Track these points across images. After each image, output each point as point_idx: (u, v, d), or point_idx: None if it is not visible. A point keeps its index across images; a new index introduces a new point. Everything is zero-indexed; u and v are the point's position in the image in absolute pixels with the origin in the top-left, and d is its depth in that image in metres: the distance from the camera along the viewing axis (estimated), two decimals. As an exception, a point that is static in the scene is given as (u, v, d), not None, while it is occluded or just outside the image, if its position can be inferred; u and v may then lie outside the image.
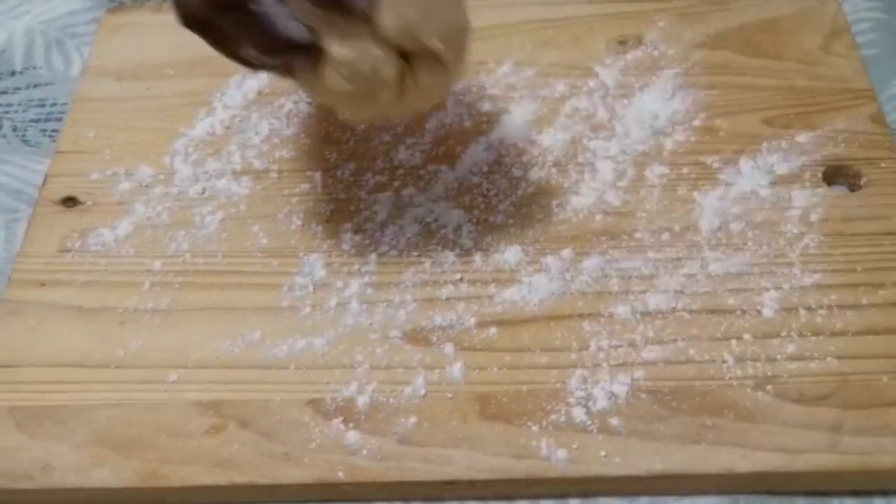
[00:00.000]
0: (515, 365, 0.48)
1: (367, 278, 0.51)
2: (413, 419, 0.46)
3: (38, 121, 0.61)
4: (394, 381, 0.47)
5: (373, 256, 0.52)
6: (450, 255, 0.52)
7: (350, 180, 0.55)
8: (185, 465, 0.45)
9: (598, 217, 0.53)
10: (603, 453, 0.45)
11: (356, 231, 0.53)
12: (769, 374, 0.47)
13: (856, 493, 0.45)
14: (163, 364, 0.48)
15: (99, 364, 0.48)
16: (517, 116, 0.58)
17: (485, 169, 0.56)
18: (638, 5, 0.64)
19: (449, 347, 0.48)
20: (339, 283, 0.51)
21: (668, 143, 0.56)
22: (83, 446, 0.46)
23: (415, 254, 0.52)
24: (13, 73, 0.64)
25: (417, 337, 0.49)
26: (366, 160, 0.56)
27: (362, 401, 0.47)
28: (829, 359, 0.47)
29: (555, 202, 0.54)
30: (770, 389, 0.46)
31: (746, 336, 0.48)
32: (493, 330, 0.49)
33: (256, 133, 0.58)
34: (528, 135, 0.57)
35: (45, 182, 0.56)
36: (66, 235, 0.54)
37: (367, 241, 0.53)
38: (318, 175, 0.56)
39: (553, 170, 0.55)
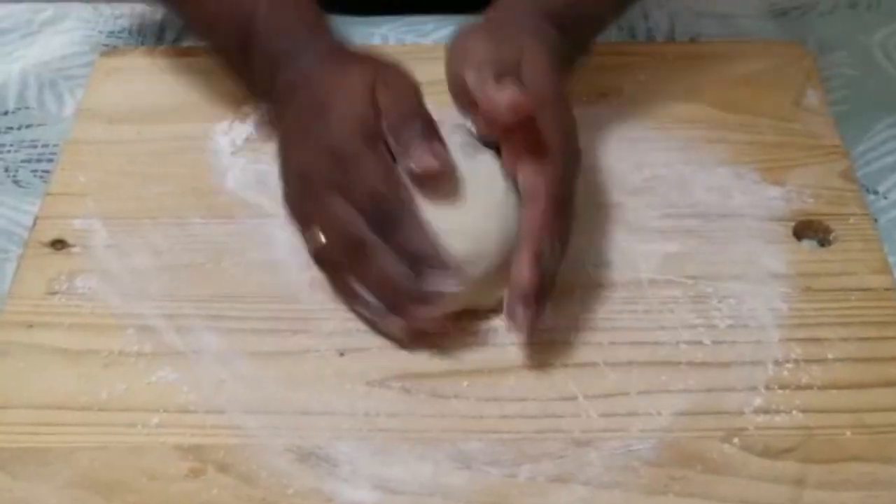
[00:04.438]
0: (495, 414, 0.49)
1: (348, 324, 0.52)
2: (392, 468, 0.47)
3: (29, 161, 0.63)
4: (374, 428, 0.48)
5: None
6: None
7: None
8: (165, 508, 0.46)
9: (576, 267, 0.54)
10: None
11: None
12: (736, 426, 0.48)
13: (818, 546, 0.46)
14: (145, 408, 0.49)
15: (83, 407, 0.49)
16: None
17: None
18: (619, 58, 0.66)
19: (426, 394, 0.49)
20: (321, 331, 0.52)
21: (642, 196, 0.58)
22: (65, 488, 0.47)
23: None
24: (6, 113, 0.66)
25: (395, 384, 0.50)
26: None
27: (341, 448, 0.48)
28: (794, 412, 0.48)
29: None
30: (737, 442, 0.47)
31: (714, 388, 0.49)
32: (471, 378, 0.50)
33: (243, 178, 0.60)
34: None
35: (34, 224, 0.57)
36: (54, 278, 0.55)
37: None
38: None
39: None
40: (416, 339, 0.51)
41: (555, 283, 0.51)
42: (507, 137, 0.52)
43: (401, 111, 0.52)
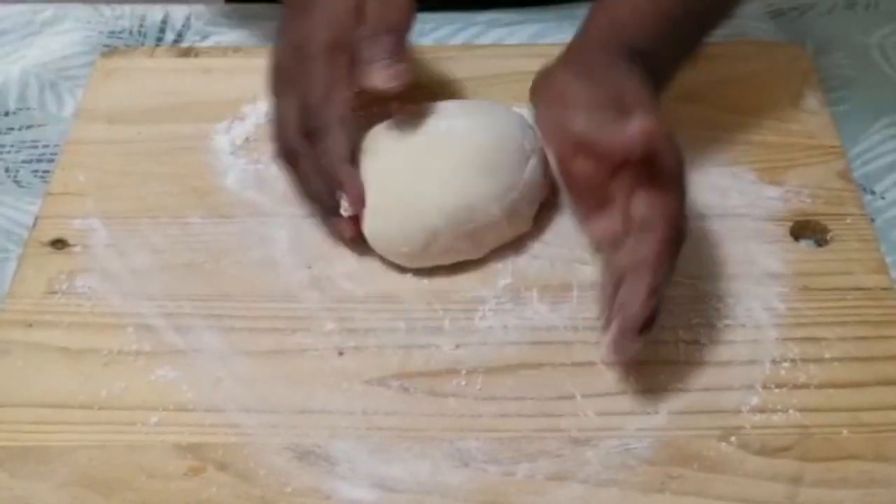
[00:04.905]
0: (493, 413, 0.49)
1: (347, 324, 0.53)
2: (391, 466, 0.47)
3: (30, 162, 0.63)
4: (372, 426, 0.49)
5: (352, 304, 0.53)
6: (425, 299, 0.53)
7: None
8: (164, 506, 0.46)
9: (575, 266, 0.55)
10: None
11: (335, 276, 0.55)
12: (733, 425, 0.48)
13: (815, 544, 0.46)
14: (144, 406, 0.49)
15: (82, 405, 0.50)
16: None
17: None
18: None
19: (424, 393, 0.50)
20: (320, 330, 0.52)
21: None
22: (64, 486, 0.47)
23: (399, 303, 0.53)
24: (7, 114, 0.66)
25: (394, 383, 0.50)
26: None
27: (339, 447, 0.48)
28: (791, 411, 0.49)
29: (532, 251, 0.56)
30: (734, 441, 0.48)
31: (711, 387, 0.49)
32: (469, 377, 0.50)
33: (242, 177, 0.60)
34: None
35: (35, 223, 0.58)
36: (54, 277, 0.55)
37: (347, 287, 0.54)
38: (302, 220, 0.57)
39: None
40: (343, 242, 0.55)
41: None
42: (620, 172, 0.49)
43: (378, 26, 0.53)
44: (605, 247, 0.51)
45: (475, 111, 0.57)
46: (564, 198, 0.57)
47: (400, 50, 0.53)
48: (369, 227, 0.54)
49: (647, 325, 0.47)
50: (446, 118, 0.56)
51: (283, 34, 0.57)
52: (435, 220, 0.53)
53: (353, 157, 0.55)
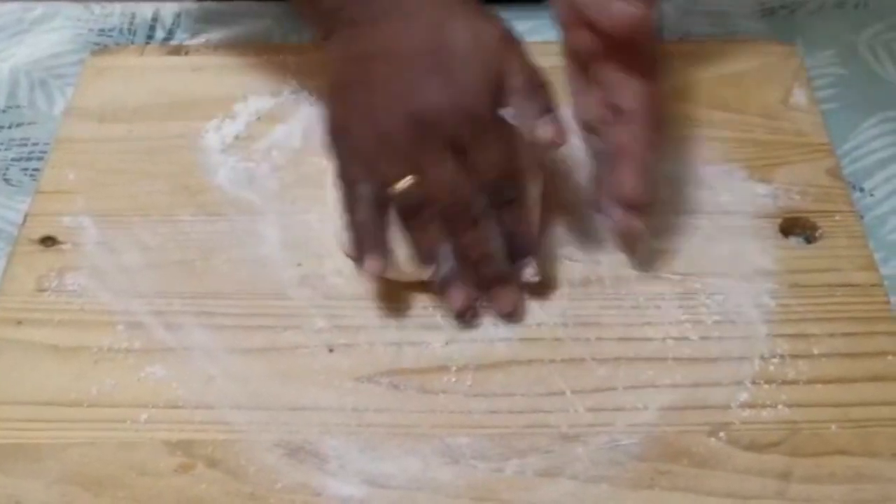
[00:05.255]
0: (483, 409, 0.49)
1: (337, 321, 0.53)
2: (381, 462, 0.47)
3: (19, 160, 0.63)
4: (362, 423, 0.49)
5: (342, 301, 0.53)
6: (416, 296, 0.53)
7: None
8: (155, 503, 0.46)
9: (564, 262, 0.55)
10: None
11: (326, 274, 0.55)
12: (722, 421, 0.48)
13: (804, 539, 0.47)
14: (135, 404, 0.49)
15: (73, 403, 0.50)
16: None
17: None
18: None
19: (414, 390, 0.50)
20: (310, 327, 0.52)
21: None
22: (55, 484, 0.47)
23: (390, 300, 0.53)
24: (-4, 112, 0.66)
25: (384, 380, 0.50)
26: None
27: (329, 443, 0.48)
28: (780, 407, 0.49)
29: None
30: (723, 436, 0.48)
31: (700, 383, 0.50)
32: (459, 374, 0.50)
33: (233, 175, 0.60)
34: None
35: (24, 221, 0.58)
36: (44, 275, 0.55)
37: (338, 284, 0.54)
38: (293, 217, 0.57)
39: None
40: (463, 316, 0.52)
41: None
42: (602, 58, 0.54)
43: (531, 76, 0.50)
44: (588, 126, 0.57)
45: None
46: (554, 198, 0.57)
47: (556, 105, 0.51)
48: None
49: (644, 203, 0.52)
50: None
51: (398, 79, 0.50)
52: None
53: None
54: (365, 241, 0.51)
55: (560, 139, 0.50)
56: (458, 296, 0.52)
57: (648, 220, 0.53)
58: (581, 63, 0.56)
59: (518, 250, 0.52)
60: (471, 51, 0.49)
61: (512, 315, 0.52)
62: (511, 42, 0.51)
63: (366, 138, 0.50)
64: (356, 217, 0.51)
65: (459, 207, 0.51)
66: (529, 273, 0.52)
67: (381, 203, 0.51)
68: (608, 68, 0.54)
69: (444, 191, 0.50)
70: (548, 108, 0.50)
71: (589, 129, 0.57)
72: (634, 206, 0.52)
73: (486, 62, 0.49)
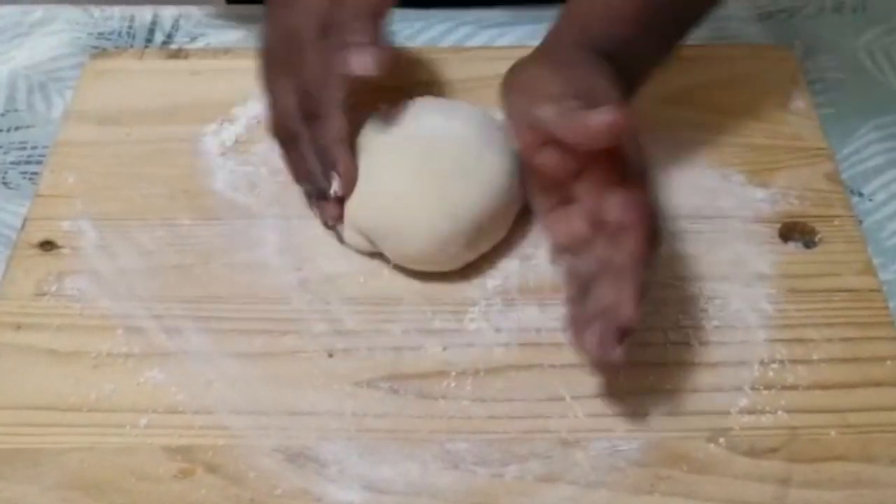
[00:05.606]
0: (482, 414, 0.49)
1: (336, 325, 0.53)
2: (380, 467, 0.47)
3: (18, 163, 0.63)
4: (362, 428, 0.49)
5: (341, 306, 0.53)
6: (415, 301, 0.54)
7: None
8: (154, 508, 0.46)
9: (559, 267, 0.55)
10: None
11: (325, 278, 0.55)
12: (722, 426, 0.48)
13: (803, 544, 0.47)
14: (134, 408, 0.49)
15: (72, 407, 0.50)
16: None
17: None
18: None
19: (414, 395, 0.50)
20: (309, 332, 0.52)
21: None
22: (54, 489, 0.47)
23: (389, 305, 0.54)
24: (-5, 115, 0.66)
25: (383, 385, 0.50)
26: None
27: (329, 448, 0.48)
28: (779, 412, 0.49)
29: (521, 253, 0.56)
30: (722, 442, 0.48)
31: (700, 389, 0.50)
32: (459, 379, 0.50)
33: (231, 179, 0.60)
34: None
35: (23, 225, 0.58)
36: (43, 279, 0.55)
37: (337, 289, 0.54)
38: (292, 222, 0.57)
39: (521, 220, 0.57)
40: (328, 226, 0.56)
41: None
42: (576, 175, 0.50)
43: (355, 10, 0.54)
44: (568, 248, 0.50)
45: (460, 113, 0.57)
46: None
47: (376, 35, 0.54)
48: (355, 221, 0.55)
49: (630, 330, 0.45)
50: (433, 118, 0.56)
51: (270, 24, 0.57)
52: (428, 224, 0.53)
53: (350, 140, 0.55)
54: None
55: (366, 70, 0.53)
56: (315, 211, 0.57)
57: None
58: (550, 183, 0.52)
59: (326, 164, 0.55)
60: None
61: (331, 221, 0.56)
62: None
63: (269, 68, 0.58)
64: (294, 162, 0.57)
65: (284, 128, 0.56)
66: (335, 186, 0.54)
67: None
68: (586, 183, 0.49)
69: (275, 112, 0.57)
70: (365, 36, 0.54)
71: (563, 251, 0.51)
72: (625, 333, 0.45)
73: None
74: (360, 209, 0.54)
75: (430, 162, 0.54)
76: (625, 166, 0.47)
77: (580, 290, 0.48)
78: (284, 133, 0.57)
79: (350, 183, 0.54)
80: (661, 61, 0.57)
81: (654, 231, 0.47)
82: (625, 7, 0.54)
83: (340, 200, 0.55)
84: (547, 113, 0.49)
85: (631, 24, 0.54)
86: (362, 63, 0.53)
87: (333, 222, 0.56)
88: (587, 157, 0.48)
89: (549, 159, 0.50)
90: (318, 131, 0.55)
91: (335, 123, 0.55)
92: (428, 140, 0.55)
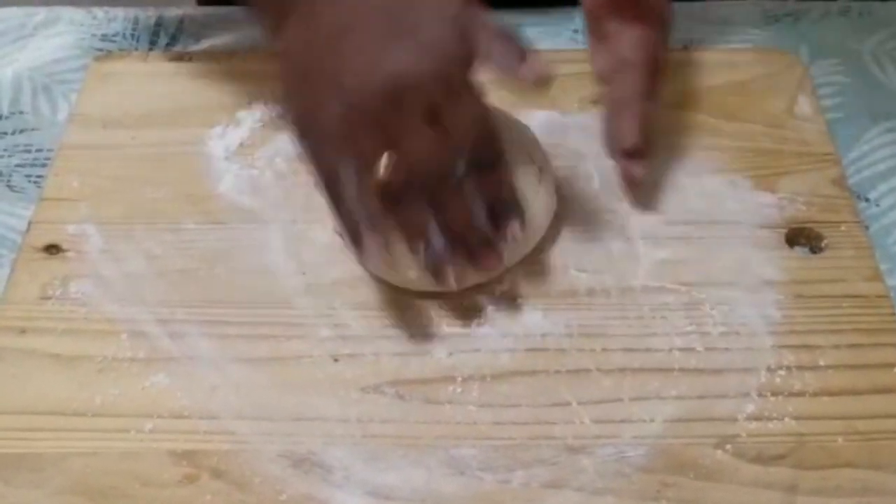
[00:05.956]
0: (488, 420, 0.49)
1: (342, 330, 0.52)
2: (385, 474, 0.47)
3: (23, 166, 0.63)
4: (367, 434, 0.48)
5: (347, 311, 0.53)
6: (421, 306, 0.53)
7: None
8: (158, 514, 0.46)
9: (571, 273, 0.55)
10: (566, 509, 0.46)
11: (330, 283, 0.54)
12: (729, 433, 0.48)
13: (810, 552, 0.46)
14: (138, 413, 0.49)
15: (76, 412, 0.49)
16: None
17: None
18: (611, 65, 0.67)
19: (420, 400, 0.50)
20: (315, 337, 0.52)
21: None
22: (58, 494, 0.46)
23: (390, 308, 0.53)
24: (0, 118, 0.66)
25: (389, 391, 0.50)
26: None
27: (334, 454, 0.48)
28: (786, 419, 0.49)
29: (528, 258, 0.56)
30: (729, 448, 0.48)
31: (706, 395, 0.50)
32: (465, 385, 0.50)
33: (237, 183, 0.60)
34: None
35: (28, 229, 0.57)
36: (48, 283, 0.55)
37: (342, 293, 0.54)
38: (297, 226, 0.57)
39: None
40: (462, 285, 0.52)
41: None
42: (611, 12, 0.59)
43: (499, 28, 0.48)
44: (603, 78, 0.60)
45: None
46: (560, 209, 0.57)
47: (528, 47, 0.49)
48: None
49: (639, 151, 0.56)
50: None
51: (359, 50, 0.48)
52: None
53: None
54: (360, 224, 0.48)
55: (547, 75, 0.48)
56: (448, 276, 0.51)
57: (648, 164, 0.57)
58: (596, 19, 0.61)
59: (502, 213, 0.52)
60: (435, 11, 0.48)
61: (494, 269, 0.53)
62: (471, 0, 0.49)
63: (338, 117, 0.47)
64: (345, 202, 0.48)
65: (441, 177, 0.49)
66: (515, 228, 0.52)
67: (365, 186, 0.48)
68: (615, 21, 0.58)
69: (425, 160, 0.49)
70: (525, 51, 0.48)
71: (603, 80, 0.61)
72: (633, 156, 0.56)
73: (453, 21, 0.47)
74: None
75: None
76: (644, 9, 0.57)
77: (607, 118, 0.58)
78: (439, 183, 0.50)
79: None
80: None
81: (655, 68, 0.57)
82: None
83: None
84: None
85: None
86: (543, 67, 0.48)
87: (497, 267, 0.52)
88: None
89: None
90: (488, 180, 0.51)
91: (510, 174, 0.53)
92: None
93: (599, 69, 0.61)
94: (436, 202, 0.50)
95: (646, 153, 0.57)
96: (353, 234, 0.49)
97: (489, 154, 0.51)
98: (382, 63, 0.47)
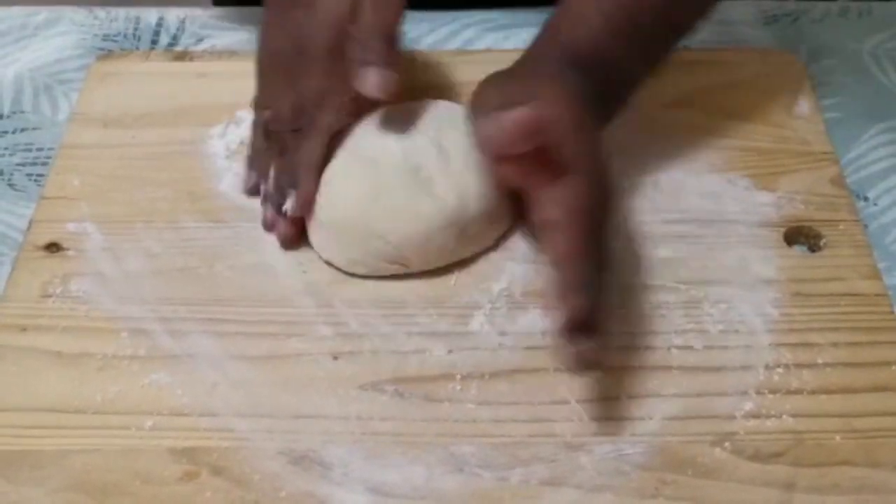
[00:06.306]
0: (487, 418, 0.49)
1: (342, 328, 0.53)
2: (385, 471, 0.47)
3: (24, 165, 0.63)
4: (367, 431, 0.49)
5: (347, 309, 0.53)
6: (420, 304, 0.54)
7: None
8: (158, 511, 0.46)
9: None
10: (564, 506, 0.46)
11: (330, 281, 0.55)
12: (727, 431, 0.48)
13: (807, 549, 0.47)
14: (139, 411, 0.49)
15: (77, 410, 0.50)
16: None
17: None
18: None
19: (419, 398, 0.50)
20: (315, 335, 0.52)
21: (634, 201, 0.58)
22: (59, 491, 0.47)
23: (394, 308, 0.54)
24: (1, 117, 0.66)
25: (388, 388, 0.50)
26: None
27: (334, 451, 0.48)
28: (784, 417, 0.49)
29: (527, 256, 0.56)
30: (727, 446, 0.48)
31: (705, 393, 0.50)
32: (464, 382, 0.50)
33: (236, 182, 0.60)
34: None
35: (29, 227, 0.58)
36: (49, 281, 0.55)
37: (341, 291, 0.54)
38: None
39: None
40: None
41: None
42: (526, 178, 0.51)
43: (370, 28, 0.53)
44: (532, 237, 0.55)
45: (457, 112, 0.57)
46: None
47: (391, 56, 0.53)
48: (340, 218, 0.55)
49: (586, 324, 0.45)
50: (430, 118, 0.56)
51: (278, 24, 0.56)
52: (426, 219, 0.53)
53: (320, 168, 0.56)
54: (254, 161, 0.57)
55: (380, 92, 0.53)
56: (265, 215, 0.57)
57: (601, 336, 0.46)
58: (511, 190, 0.54)
59: (292, 181, 0.55)
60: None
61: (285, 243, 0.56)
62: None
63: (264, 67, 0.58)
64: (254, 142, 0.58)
65: (271, 135, 0.56)
66: (289, 204, 0.55)
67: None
68: (530, 186, 0.51)
69: (268, 117, 0.56)
70: (381, 59, 0.53)
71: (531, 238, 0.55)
72: (582, 327, 0.45)
73: (337, 4, 0.53)
74: (328, 208, 0.55)
75: (429, 158, 0.54)
76: (558, 159, 0.48)
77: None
78: (265, 137, 0.57)
79: (306, 207, 0.55)
80: (650, 72, 0.57)
81: (591, 221, 0.47)
82: (606, 22, 0.54)
83: (294, 222, 0.56)
84: (479, 125, 0.51)
85: (613, 38, 0.53)
86: (378, 84, 0.53)
87: (287, 244, 0.56)
88: (520, 160, 0.50)
89: (503, 169, 0.53)
90: (296, 148, 0.56)
91: (315, 147, 0.56)
92: (428, 138, 0.55)
93: (531, 233, 0.55)
94: (268, 154, 0.57)
95: (593, 329, 0.45)
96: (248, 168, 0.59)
97: (303, 123, 0.55)
98: (285, 28, 0.55)
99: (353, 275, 0.55)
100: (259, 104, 0.58)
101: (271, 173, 0.57)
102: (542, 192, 0.50)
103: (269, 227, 0.57)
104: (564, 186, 0.48)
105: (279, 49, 0.56)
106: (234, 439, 0.48)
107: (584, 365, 0.46)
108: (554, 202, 0.48)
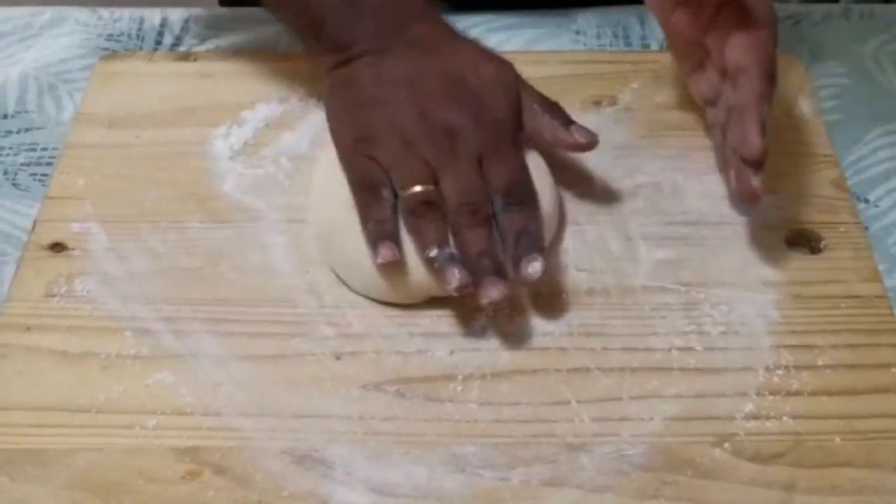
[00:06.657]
0: (489, 418, 0.49)
1: (344, 328, 0.53)
2: (387, 471, 0.47)
3: (28, 165, 0.63)
4: (369, 431, 0.49)
5: (349, 309, 0.54)
6: (422, 305, 0.54)
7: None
8: (162, 510, 0.47)
9: (571, 273, 0.55)
10: (565, 507, 0.46)
11: (333, 282, 0.55)
12: (727, 432, 0.49)
13: (807, 550, 0.47)
14: (142, 410, 0.50)
15: (81, 409, 0.50)
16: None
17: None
18: (613, 66, 0.67)
19: (421, 398, 0.50)
20: (317, 335, 0.53)
21: (635, 203, 0.59)
22: (63, 490, 0.47)
23: (396, 308, 0.54)
24: (5, 117, 0.66)
25: (390, 388, 0.50)
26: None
27: (336, 451, 0.48)
28: (784, 418, 0.49)
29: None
30: (727, 447, 0.48)
31: (705, 394, 0.50)
32: (466, 383, 0.51)
33: (240, 182, 0.60)
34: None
35: (33, 227, 0.58)
36: (53, 280, 0.55)
37: (344, 292, 0.54)
38: (301, 225, 0.58)
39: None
40: (466, 294, 0.51)
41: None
42: (705, 29, 0.57)
43: (544, 98, 0.58)
44: (708, 100, 0.59)
45: None
46: (561, 209, 0.58)
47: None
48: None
49: (762, 160, 0.52)
50: None
51: (427, 91, 0.56)
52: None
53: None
54: (382, 235, 0.52)
55: (592, 141, 0.56)
56: (453, 274, 0.51)
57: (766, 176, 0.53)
58: (686, 44, 0.59)
59: (524, 248, 0.52)
60: (494, 79, 0.57)
61: (496, 304, 0.50)
62: (519, 74, 0.58)
63: (394, 146, 0.54)
64: (375, 216, 0.53)
65: (470, 207, 0.52)
66: (535, 267, 0.50)
67: (395, 206, 0.54)
68: (714, 34, 0.57)
69: (460, 192, 0.53)
70: (569, 119, 0.57)
71: (708, 102, 0.60)
72: (753, 165, 0.53)
73: (508, 89, 0.57)
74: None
75: None
76: (743, 12, 0.55)
77: (722, 135, 0.56)
78: (472, 208, 0.53)
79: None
80: None
81: (773, 71, 0.55)
82: None
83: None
84: None
85: None
86: (590, 140, 0.56)
87: (497, 298, 0.50)
88: (711, 10, 0.56)
89: (682, 19, 0.58)
90: (518, 215, 0.53)
91: (539, 214, 0.54)
92: None
93: (702, 91, 0.60)
94: (459, 225, 0.52)
95: (762, 165, 0.53)
96: (374, 243, 0.52)
97: (522, 194, 0.54)
98: (443, 110, 0.55)
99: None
100: (403, 184, 0.53)
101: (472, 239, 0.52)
102: (728, 39, 0.56)
103: (486, 293, 0.51)
104: (755, 35, 0.55)
105: (450, 113, 0.55)
106: (236, 439, 0.49)
107: (756, 197, 0.53)
108: (742, 50, 0.55)
